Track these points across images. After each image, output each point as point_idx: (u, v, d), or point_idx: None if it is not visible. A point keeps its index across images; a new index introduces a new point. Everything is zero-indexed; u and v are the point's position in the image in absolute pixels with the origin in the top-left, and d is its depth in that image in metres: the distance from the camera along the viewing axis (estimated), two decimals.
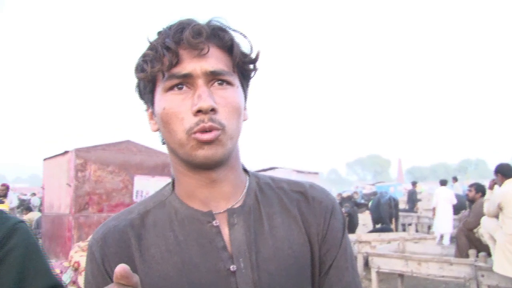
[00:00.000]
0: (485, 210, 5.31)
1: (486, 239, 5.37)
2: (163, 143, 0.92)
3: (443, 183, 11.36)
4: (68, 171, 9.73)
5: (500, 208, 4.96)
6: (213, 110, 0.81)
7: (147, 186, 9.98)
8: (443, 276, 5.62)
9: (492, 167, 5.49)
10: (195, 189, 0.89)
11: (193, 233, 0.87)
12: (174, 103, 0.82)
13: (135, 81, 0.91)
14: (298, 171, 14.90)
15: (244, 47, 0.88)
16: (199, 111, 0.80)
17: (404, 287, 6.69)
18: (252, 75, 0.92)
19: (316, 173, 16.63)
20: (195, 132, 0.81)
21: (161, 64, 0.82)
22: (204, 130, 0.80)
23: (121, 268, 0.64)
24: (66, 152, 9.94)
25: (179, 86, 0.83)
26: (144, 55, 0.84)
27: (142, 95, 0.92)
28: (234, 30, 0.87)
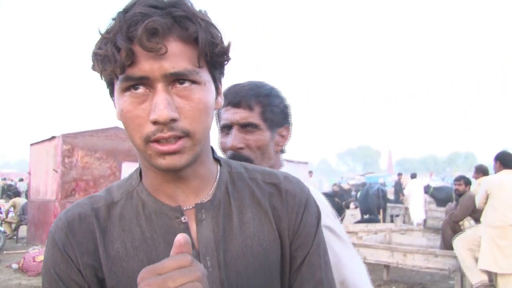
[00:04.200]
0: (477, 203, 5.18)
1: (463, 257, 5.18)
2: None
3: (414, 176, 12.97)
4: (55, 157, 9.64)
5: (487, 195, 4.85)
6: (173, 120, 0.73)
7: None
8: (428, 268, 5.67)
9: (481, 160, 5.44)
10: (161, 183, 0.83)
11: (161, 229, 0.82)
12: (131, 106, 0.74)
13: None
14: (288, 161, 14.78)
15: (213, 36, 0.77)
16: (156, 122, 0.72)
17: (390, 278, 6.74)
18: (224, 64, 0.83)
19: (306, 163, 16.61)
20: (152, 141, 0.74)
21: (114, 64, 0.72)
22: (163, 139, 0.73)
23: (183, 236, 0.65)
24: (53, 138, 9.85)
25: (136, 87, 0.74)
26: (94, 53, 0.75)
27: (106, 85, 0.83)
28: (201, 18, 0.76)
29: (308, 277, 0.87)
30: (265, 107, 1.32)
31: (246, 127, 1.30)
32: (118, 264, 0.80)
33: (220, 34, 0.79)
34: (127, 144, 10.02)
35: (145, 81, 0.73)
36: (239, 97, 1.31)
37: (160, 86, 0.73)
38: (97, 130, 9.96)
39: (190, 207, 0.84)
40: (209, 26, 0.77)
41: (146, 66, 0.72)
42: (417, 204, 11.79)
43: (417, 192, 11.88)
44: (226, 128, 1.33)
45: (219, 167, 0.91)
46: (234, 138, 1.29)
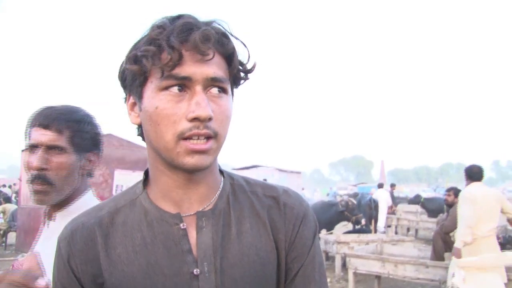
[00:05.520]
0: (467, 221, 4.87)
1: None
2: (142, 137, 0.91)
3: (381, 186, 14.27)
4: None
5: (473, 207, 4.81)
6: (210, 118, 0.79)
7: (127, 181, 9.87)
8: (418, 278, 5.68)
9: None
10: (171, 189, 0.88)
11: (160, 235, 0.86)
12: (169, 104, 0.79)
13: (118, 68, 0.89)
14: (281, 170, 14.91)
15: (242, 55, 0.87)
16: (195, 118, 0.78)
17: None
18: (241, 83, 0.91)
19: (299, 173, 16.68)
20: (186, 138, 0.79)
21: (164, 61, 0.78)
22: (197, 137, 0.79)
23: None
24: None
25: (176, 87, 0.80)
26: (145, 50, 0.79)
27: (127, 86, 0.87)
28: (235, 37, 0.86)
29: None
30: (74, 132, 1.36)
31: (52, 149, 1.34)
32: (119, 267, 0.84)
33: (249, 55, 0.87)
34: (120, 152, 9.98)
35: (186, 82, 0.80)
36: (49, 119, 1.34)
37: (199, 88, 0.80)
38: None
39: (191, 214, 0.88)
40: (241, 46, 0.86)
41: (191, 68, 0.79)
42: (381, 213, 12.71)
43: (382, 201, 12.86)
44: (33, 148, 1.35)
45: (222, 179, 0.95)
46: (40, 159, 1.32)
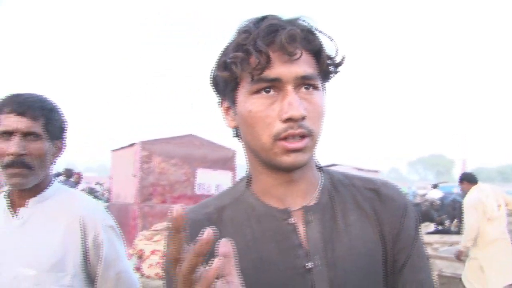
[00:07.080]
0: (473, 226, 4.94)
1: None
2: (239, 139, 0.93)
3: (435, 186, 15.63)
4: (134, 163, 10.08)
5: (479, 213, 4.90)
6: (304, 117, 0.80)
7: (209, 179, 10.20)
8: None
9: None
10: (272, 187, 0.90)
11: (270, 230, 0.87)
12: (262, 107, 0.82)
13: (209, 74, 0.91)
14: (358, 169, 14.65)
15: (330, 50, 0.86)
16: (289, 119, 0.79)
17: None
18: (332, 77, 0.90)
19: (376, 171, 16.29)
20: (282, 138, 0.81)
21: (253, 65, 0.80)
22: (293, 136, 0.80)
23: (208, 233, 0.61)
24: (132, 144, 10.31)
25: (267, 89, 0.82)
26: (234, 56, 0.82)
27: (221, 91, 0.91)
28: (320, 32, 0.86)
29: (411, 278, 0.90)
30: (48, 120, 1.45)
31: (28, 135, 1.40)
32: None
33: (337, 48, 0.87)
34: (202, 151, 10.34)
35: (276, 84, 0.81)
36: (25, 107, 1.39)
37: (290, 88, 0.81)
38: (174, 138, 10.32)
39: (298, 209, 0.89)
40: (328, 40, 0.86)
41: (280, 69, 0.80)
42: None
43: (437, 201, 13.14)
44: (5, 134, 1.39)
45: (321, 174, 0.96)
46: (18, 145, 1.37)
